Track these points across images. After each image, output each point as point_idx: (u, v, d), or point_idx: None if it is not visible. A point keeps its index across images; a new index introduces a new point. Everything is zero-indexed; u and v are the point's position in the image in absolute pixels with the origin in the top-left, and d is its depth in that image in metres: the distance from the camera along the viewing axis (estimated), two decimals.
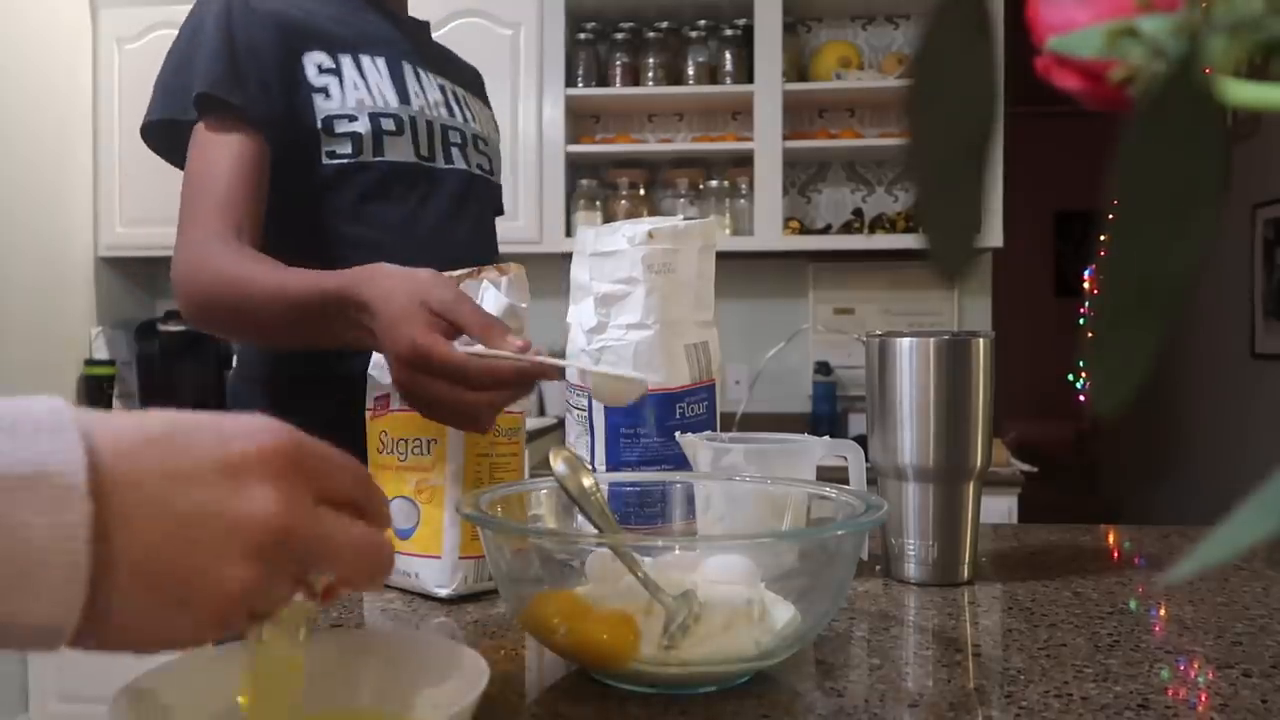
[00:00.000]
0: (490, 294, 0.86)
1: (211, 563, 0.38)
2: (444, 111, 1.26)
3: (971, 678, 0.66)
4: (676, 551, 0.70)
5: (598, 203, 3.01)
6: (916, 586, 0.89)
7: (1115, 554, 1.06)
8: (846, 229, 2.96)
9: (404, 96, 1.20)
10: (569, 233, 2.94)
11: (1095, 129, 3.45)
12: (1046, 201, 6.04)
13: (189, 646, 0.41)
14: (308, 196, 1.16)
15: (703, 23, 3.00)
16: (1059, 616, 0.79)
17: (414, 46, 1.28)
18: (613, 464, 0.95)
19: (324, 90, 1.15)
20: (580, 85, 3.00)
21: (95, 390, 3.11)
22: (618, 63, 3.02)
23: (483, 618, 0.79)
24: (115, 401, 3.15)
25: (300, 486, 0.41)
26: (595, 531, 0.68)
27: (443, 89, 1.28)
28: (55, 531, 0.35)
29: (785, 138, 2.84)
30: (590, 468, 0.96)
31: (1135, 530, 1.16)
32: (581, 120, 3.15)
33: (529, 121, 2.94)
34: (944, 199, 0.28)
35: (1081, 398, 5.55)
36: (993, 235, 2.72)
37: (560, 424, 2.99)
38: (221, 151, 1.08)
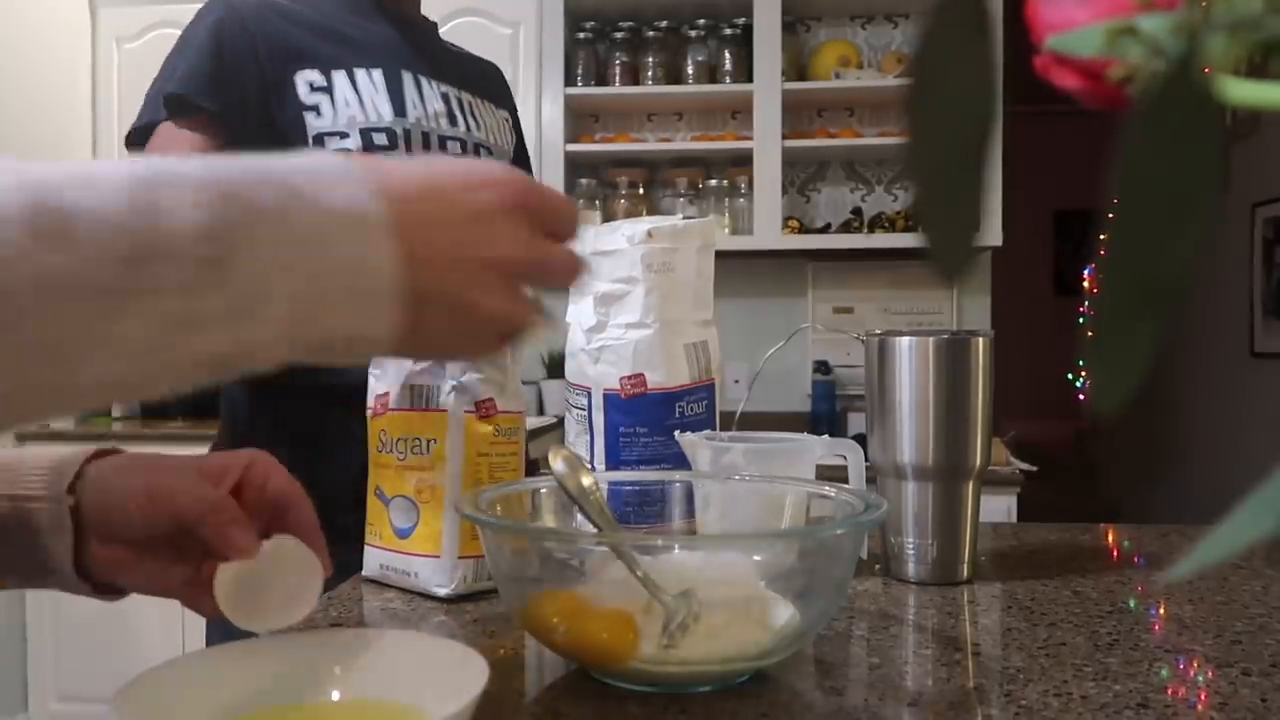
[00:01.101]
0: None
1: (479, 294, 0.47)
2: (444, 122, 1.24)
3: (971, 677, 0.66)
4: (676, 551, 0.70)
5: (597, 202, 3.01)
6: (916, 585, 0.89)
7: (1114, 553, 1.06)
8: (846, 228, 2.96)
9: (400, 109, 1.19)
10: None
11: (1095, 128, 3.45)
12: (1046, 200, 6.05)
13: (472, 358, 0.58)
14: None
15: (702, 22, 3.00)
16: (1058, 615, 0.79)
17: (419, 52, 1.27)
18: (612, 463, 0.95)
19: (315, 108, 1.15)
20: (579, 84, 3.00)
21: None
22: (617, 62, 3.02)
23: (482, 617, 0.79)
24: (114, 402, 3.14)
25: (531, 223, 0.50)
26: (594, 531, 0.68)
27: (445, 97, 1.26)
28: (380, 264, 0.43)
29: (785, 137, 2.83)
30: (589, 467, 0.96)
31: (1134, 529, 1.16)
32: (581, 119, 3.14)
33: (528, 121, 2.93)
34: (943, 198, 0.28)
35: (1081, 397, 5.55)
36: (992, 234, 2.72)
37: (559, 423, 2.99)
38: (180, 150, 1.08)
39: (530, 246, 0.49)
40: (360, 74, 1.18)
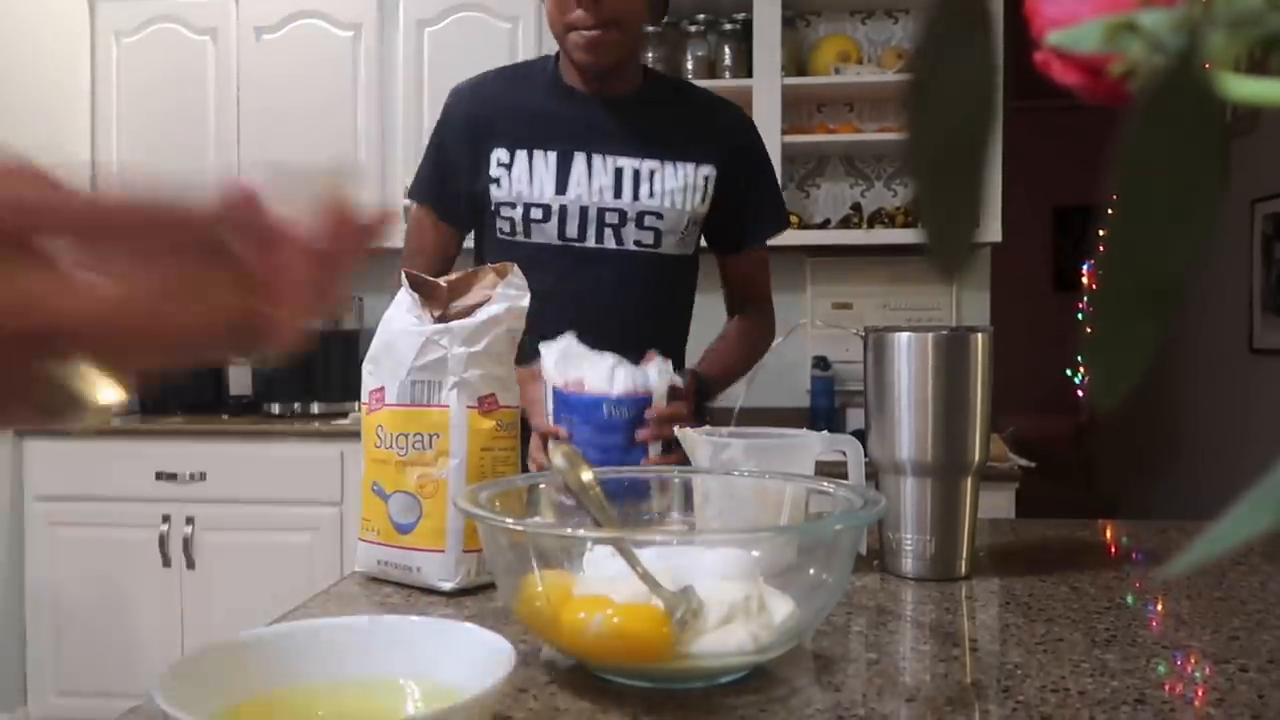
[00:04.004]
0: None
1: None
2: (609, 195, 1.44)
3: (969, 672, 0.66)
4: (675, 546, 0.70)
5: None
6: (914, 581, 0.89)
7: (1113, 549, 1.06)
8: (845, 224, 2.96)
9: (562, 187, 1.43)
10: None
11: (1094, 124, 3.45)
12: (1046, 196, 6.04)
13: None
14: (489, 254, 1.47)
15: (701, 17, 2.99)
16: (1056, 611, 0.79)
17: (604, 131, 1.45)
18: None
19: (497, 181, 1.45)
20: None
21: None
22: None
23: (480, 611, 0.79)
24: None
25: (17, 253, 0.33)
26: (595, 526, 0.68)
27: (619, 171, 1.44)
28: None
29: (784, 132, 2.83)
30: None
31: (1133, 525, 1.16)
32: None
33: None
34: (943, 194, 0.28)
35: (1080, 393, 5.55)
36: (991, 230, 2.71)
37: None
38: (423, 232, 1.53)
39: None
40: (538, 154, 1.44)
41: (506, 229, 1.46)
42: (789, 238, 2.91)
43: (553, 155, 1.44)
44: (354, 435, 0.98)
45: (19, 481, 2.85)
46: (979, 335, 0.89)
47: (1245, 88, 0.25)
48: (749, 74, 2.87)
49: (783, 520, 0.78)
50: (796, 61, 2.98)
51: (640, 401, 1.18)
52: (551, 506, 0.77)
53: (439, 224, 1.51)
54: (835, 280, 3.12)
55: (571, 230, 1.44)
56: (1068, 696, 0.61)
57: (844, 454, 0.89)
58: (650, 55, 3.00)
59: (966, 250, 0.29)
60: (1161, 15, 0.26)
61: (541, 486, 0.77)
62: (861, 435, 0.92)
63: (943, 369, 0.88)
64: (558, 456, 0.70)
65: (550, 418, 1.19)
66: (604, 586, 0.65)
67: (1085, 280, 5.67)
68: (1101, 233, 0.26)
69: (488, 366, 0.87)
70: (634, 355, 1.22)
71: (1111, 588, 0.87)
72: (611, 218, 1.44)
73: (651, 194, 1.46)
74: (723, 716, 0.58)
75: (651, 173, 1.46)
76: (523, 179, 1.44)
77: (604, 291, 1.44)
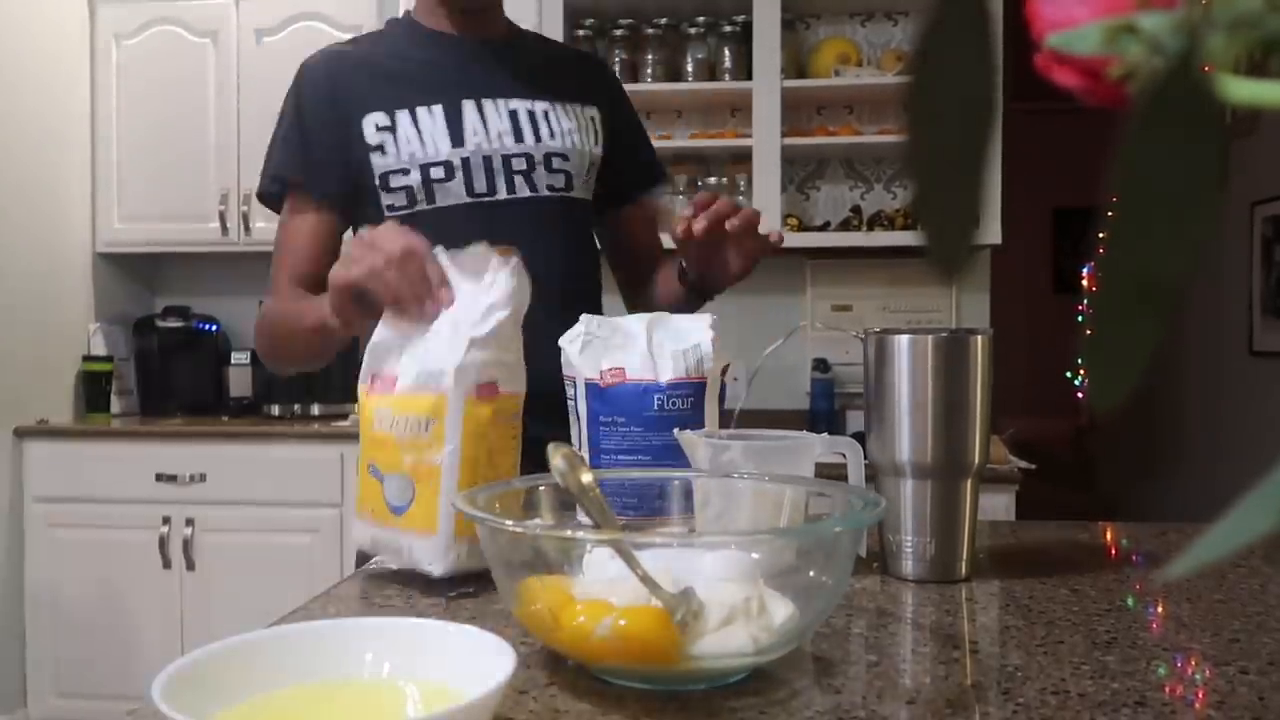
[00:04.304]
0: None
1: None
2: (509, 140, 1.31)
3: (969, 675, 0.66)
4: (675, 548, 0.70)
5: None
6: (914, 583, 0.89)
7: (1113, 551, 1.06)
8: (845, 226, 2.96)
9: (458, 139, 1.29)
10: None
11: (1094, 126, 3.45)
12: (1045, 198, 6.04)
13: None
14: None
15: (701, 19, 2.99)
16: (1056, 614, 0.79)
17: (489, 73, 1.33)
18: (594, 449, 0.97)
19: (380, 148, 1.28)
20: None
21: (93, 387, 3.10)
22: (616, 59, 3.01)
23: (480, 613, 0.79)
24: (113, 398, 3.15)
25: None
26: (594, 528, 0.68)
27: (514, 114, 1.32)
28: None
29: (784, 134, 2.83)
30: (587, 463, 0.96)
31: (1133, 527, 1.16)
32: None
33: None
34: (942, 196, 0.28)
35: (1080, 395, 5.55)
36: (991, 232, 2.71)
37: None
38: (294, 225, 1.32)
39: None
40: (422, 111, 1.29)
41: (401, 201, 1.28)
42: (789, 240, 2.92)
43: (438, 108, 1.29)
44: (354, 437, 0.98)
45: (19, 482, 2.85)
46: (979, 337, 0.89)
47: (1245, 90, 0.25)
48: (749, 76, 2.87)
49: (782, 522, 0.78)
50: (796, 64, 2.98)
51: (698, 387, 0.97)
52: (551, 508, 0.77)
53: (316, 207, 1.31)
54: (835, 282, 3.12)
55: (480, 184, 1.29)
56: (1068, 699, 0.61)
57: (844, 456, 0.89)
58: (650, 57, 3.00)
59: (966, 252, 0.29)
60: (1161, 17, 0.26)
61: (541, 488, 0.77)
62: (861, 437, 0.92)
63: (942, 371, 0.88)
64: (557, 458, 0.70)
65: (583, 423, 0.98)
66: (604, 588, 0.65)
67: (1085, 282, 5.67)
68: (1101, 235, 0.26)
69: (490, 353, 0.87)
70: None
71: (1112, 590, 0.87)
72: (519, 164, 1.31)
73: (553, 135, 1.33)
74: (723, 718, 0.58)
75: (545, 113, 1.34)
76: (411, 140, 1.27)
77: (523, 244, 1.20)
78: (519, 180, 1.31)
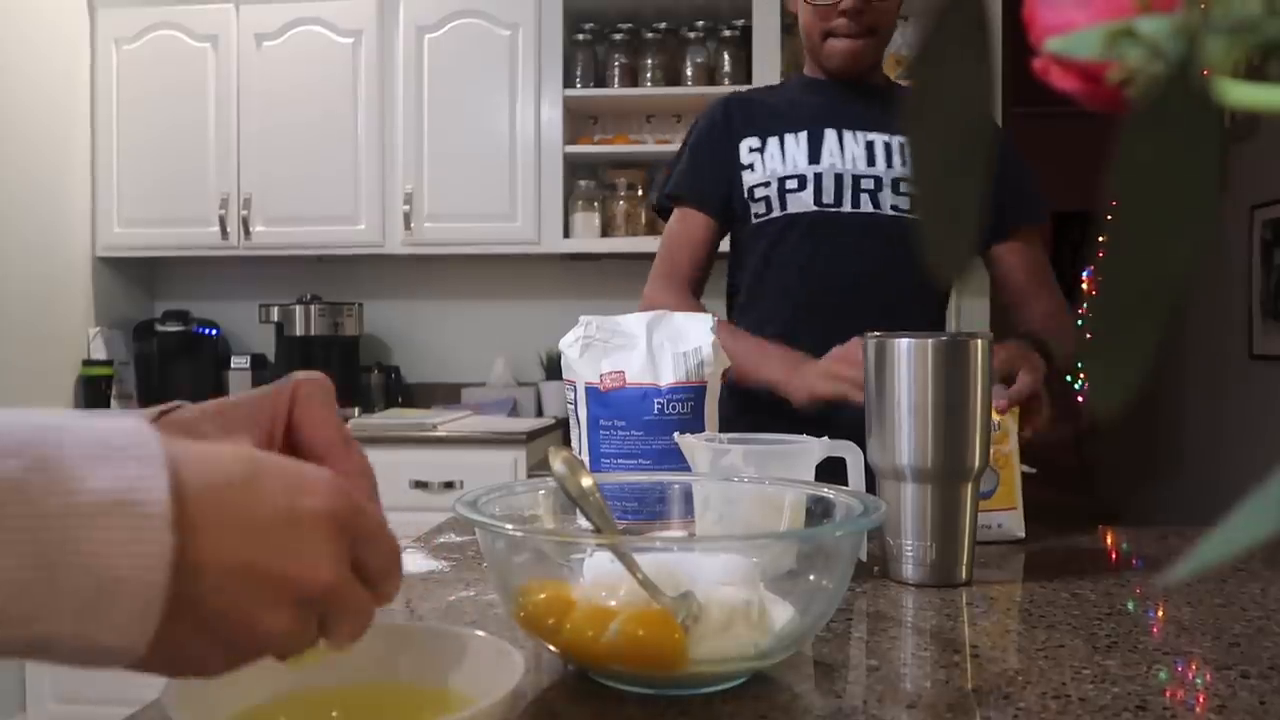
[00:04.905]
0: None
1: (261, 611, 0.40)
2: (862, 164, 1.45)
3: (969, 679, 0.66)
4: (675, 552, 0.70)
5: (596, 203, 3.01)
6: (914, 587, 0.89)
7: (1113, 555, 1.06)
8: None
9: (814, 158, 1.46)
10: (567, 233, 2.94)
11: (1093, 130, 3.45)
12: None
13: (216, 675, 0.42)
14: (744, 249, 1.52)
15: (701, 23, 3.00)
16: (1057, 618, 0.79)
17: (853, 111, 1.48)
18: (593, 453, 0.97)
19: (750, 166, 1.48)
20: (578, 86, 3.00)
21: (93, 390, 3.10)
22: (616, 63, 3.02)
23: (481, 617, 0.79)
24: (113, 402, 3.14)
25: (347, 550, 0.43)
26: (594, 532, 0.68)
27: (870, 145, 1.46)
28: (137, 561, 0.35)
29: None
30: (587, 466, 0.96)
31: (1133, 531, 1.16)
32: (579, 121, 3.14)
33: (527, 122, 2.94)
34: (942, 201, 0.28)
35: (1080, 398, 5.55)
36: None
37: (558, 423, 2.99)
38: (678, 230, 1.54)
39: (334, 575, 0.41)
40: (789, 136, 1.47)
41: (761, 210, 1.47)
42: None
43: (803, 135, 1.47)
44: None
45: None
46: (979, 341, 0.89)
47: (1244, 93, 0.25)
48: (748, 80, 2.88)
49: (783, 526, 0.78)
50: (796, 68, 2.98)
51: (698, 391, 0.97)
52: (551, 511, 0.77)
53: (700, 214, 1.52)
54: None
55: (827, 196, 1.44)
56: (1069, 703, 0.60)
57: (844, 460, 0.89)
58: (650, 61, 3.01)
59: (966, 256, 0.29)
60: (1160, 21, 0.26)
61: (540, 492, 0.77)
62: (861, 441, 0.92)
63: (943, 375, 0.88)
64: (557, 462, 0.70)
65: (583, 427, 0.99)
66: (604, 592, 0.65)
67: (1085, 286, 5.67)
68: (1101, 239, 0.26)
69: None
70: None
71: (1112, 594, 0.87)
72: (867, 183, 1.45)
73: (904, 163, 1.44)
74: None
75: (901, 145, 1.45)
76: (775, 158, 1.46)
77: (865, 258, 1.43)
78: (864, 197, 1.44)
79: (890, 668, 0.69)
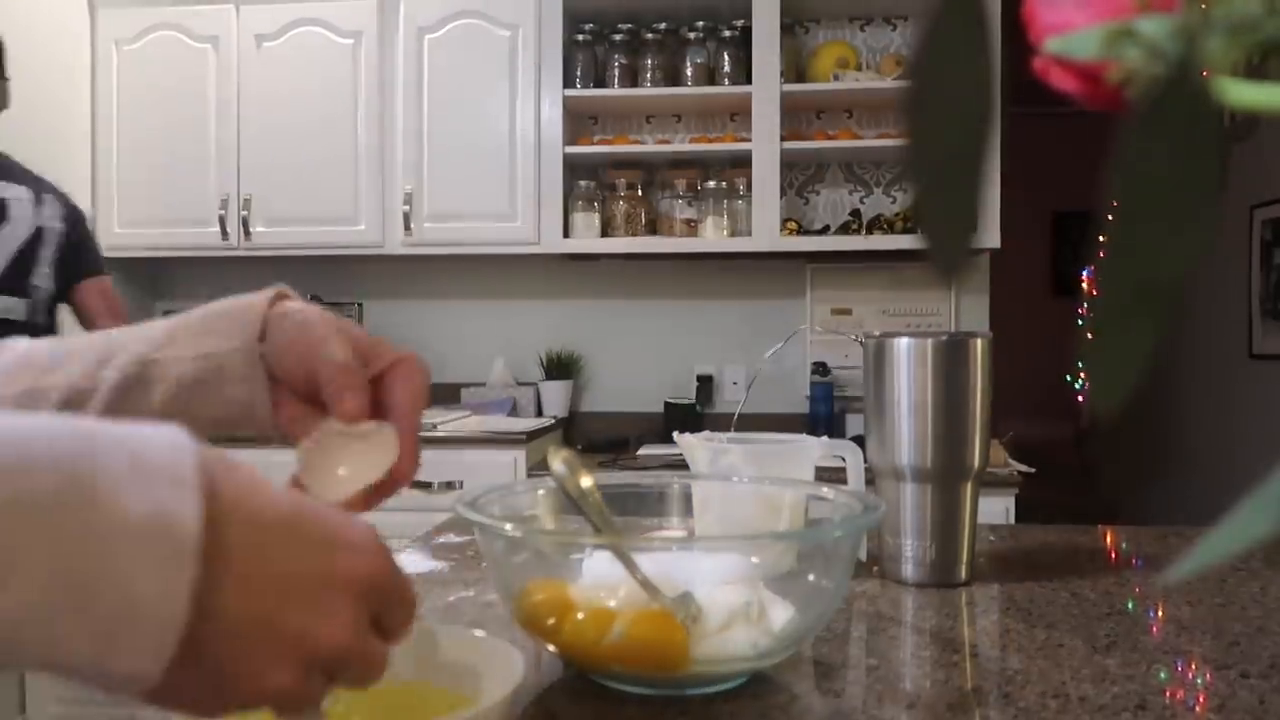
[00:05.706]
0: None
1: (266, 666, 0.39)
2: None
3: (969, 678, 0.66)
4: (674, 552, 0.70)
5: (595, 204, 3.01)
6: (914, 587, 0.89)
7: (1113, 554, 1.06)
8: (844, 230, 2.96)
9: None
10: (567, 233, 2.94)
11: (1093, 129, 3.45)
12: (1045, 202, 6.05)
13: (210, 718, 0.41)
14: None
15: (701, 24, 3.00)
16: (1056, 617, 0.79)
17: None
18: None
19: None
20: (578, 86, 3.00)
21: None
22: (616, 64, 3.02)
23: (480, 617, 0.79)
24: None
25: (368, 612, 0.42)
26: (594, 532, 0.68)
27: None
28: (159, 587, 0.35)
29: (783, 139, 2.83)
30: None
31: (1133, 531, 1.16)
32: (579, 121, 3.14)
33: (527, 122, 2.94)
34: (942, 199, 0.28)
35: (1079, 398, 5.55)
36: (990, 235, 2.71)
37: (559, 424, 2.99)
38: None
39: (353, 637, 0.41)
40: None
41: None
42: (789, 244, 2.93)
43: None
44: None
45: None
46: (978, 340, 0.89)
47: (1244, 93, 0.25)
48: (748, 80, 2.88)
49: (782, 526, 0.78)
50: (795, 68, 2.98)
51: None
52: (551, 511, 0.77)
53: None
54: (835, 286, 3.12)
55: None
56: (1068, 702, 0.61)
57: (843, 459, 0.89)
58: (649, 62, 3.01)
59: (965, 253, 0.29)
60: (1160, 21, 0.26)
61: (540, 492, 0.77)
62: (861, 441, 0.92)
63: (942, 374, 0.88)
64: (556, 462, 0.70)
65: None
66: (603, 592, 0.65)
67: (1084, 285, 5.67)
68: (1100, 238, 0.26)
69: None
70: None
71: (1112, 593, 0.87)
72: None
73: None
74: None
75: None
76: None
77: None
78: None
79: (890, 668, 0.69)
